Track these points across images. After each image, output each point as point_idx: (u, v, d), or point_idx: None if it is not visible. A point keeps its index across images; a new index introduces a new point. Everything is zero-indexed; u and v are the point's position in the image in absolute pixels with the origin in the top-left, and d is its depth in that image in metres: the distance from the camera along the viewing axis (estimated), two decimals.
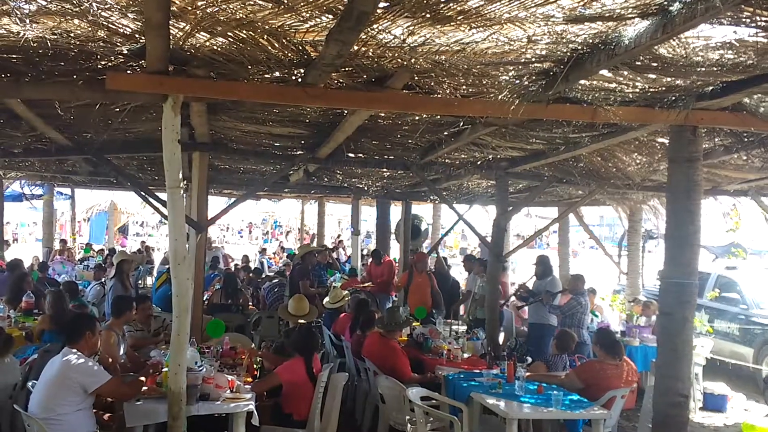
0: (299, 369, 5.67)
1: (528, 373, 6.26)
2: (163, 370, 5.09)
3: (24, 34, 3.84)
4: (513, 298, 10.48)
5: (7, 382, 5.27)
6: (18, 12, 3.60)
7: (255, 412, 5.05)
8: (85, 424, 4.60)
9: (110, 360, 5.47)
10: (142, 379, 5.08)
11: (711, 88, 4.57)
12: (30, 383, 5.12)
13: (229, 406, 5.06)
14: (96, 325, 4.97)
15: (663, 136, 6.21)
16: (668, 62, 3.97)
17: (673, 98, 4.74)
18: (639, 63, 4.03)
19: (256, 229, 43.01)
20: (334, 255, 18.58)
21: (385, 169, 9.64)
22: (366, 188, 13.00)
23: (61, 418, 4.44)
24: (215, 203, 13.15)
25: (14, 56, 4.30)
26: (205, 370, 5.22)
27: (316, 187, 13.55)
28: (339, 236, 29.25)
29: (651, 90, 4.59)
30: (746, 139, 6.25)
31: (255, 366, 6.35)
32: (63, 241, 18.01)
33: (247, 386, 5.48)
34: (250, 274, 13.86)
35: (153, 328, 7.25)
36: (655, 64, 4.04)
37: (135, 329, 6.99)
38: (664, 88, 4.58)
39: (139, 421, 4.84)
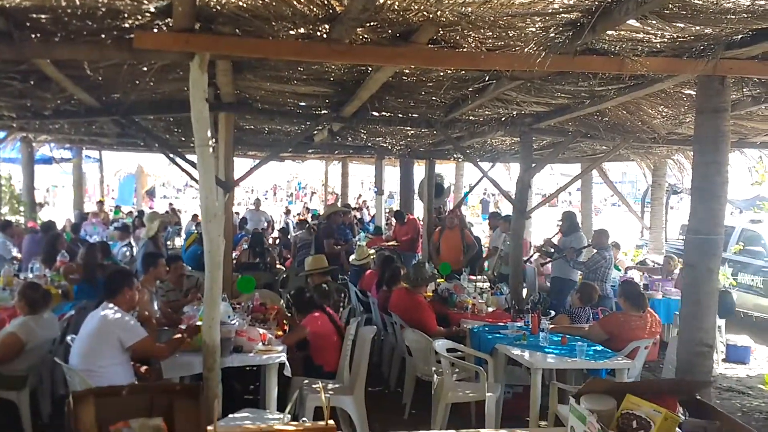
0: (322, 319, 5.87)
1: (552, 326, 6.35)
2: (198, 324, 5.23)
3: None
4: (536, 254, 10.53)
5: (47, 337, 5.46)
6: None
7: (287, 363, 5.20)
8: (124, 377, 4.75)
9: (146, 314, 5.62)
10: (178, 336, 5.20)
11: (740, 36, 4.47)
12: (69, 337, 5.31)
13: (261, 358, 5.20)
14: (133, 281, 5.11)
15: (690, 87, 6.12)
16: (698, 9, 3.90)
17: (702, 47, 4.66)
18: (668, 11, 3.95)
19: (280, 190, 43.23)
20: (358, 215, 18.70)
21: (408, 128, 9.62)
22: (390, 147, 13.01)
23: (100, 371, 4.58)
24: (240, 165, 13.28)
25: (43, 16, 4.34)
26: (237, 323, 5.36)
27: (339, 147, 13.54)
28: (360, 196, 29.38)
29: (679, 39, 4.52)
30: None
31: (284, 322, 6.50)
32: (100, 203, 18.28)
33: (278, 339, 5.64)
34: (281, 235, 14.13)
35: (185, 288, 7.42)
36: (684, 12, 3.96)
37: (167, 289, 7.18)
38: (692, 37, 4.50)
39: (175, 373, 5.00)
